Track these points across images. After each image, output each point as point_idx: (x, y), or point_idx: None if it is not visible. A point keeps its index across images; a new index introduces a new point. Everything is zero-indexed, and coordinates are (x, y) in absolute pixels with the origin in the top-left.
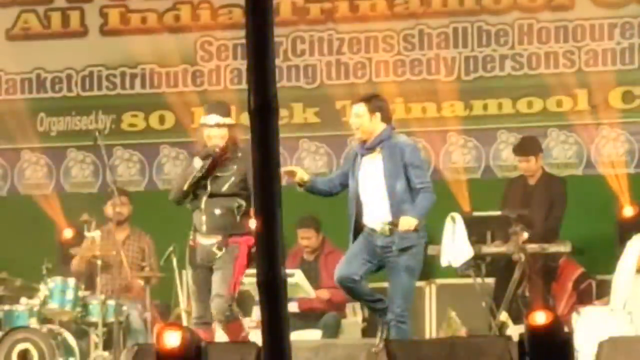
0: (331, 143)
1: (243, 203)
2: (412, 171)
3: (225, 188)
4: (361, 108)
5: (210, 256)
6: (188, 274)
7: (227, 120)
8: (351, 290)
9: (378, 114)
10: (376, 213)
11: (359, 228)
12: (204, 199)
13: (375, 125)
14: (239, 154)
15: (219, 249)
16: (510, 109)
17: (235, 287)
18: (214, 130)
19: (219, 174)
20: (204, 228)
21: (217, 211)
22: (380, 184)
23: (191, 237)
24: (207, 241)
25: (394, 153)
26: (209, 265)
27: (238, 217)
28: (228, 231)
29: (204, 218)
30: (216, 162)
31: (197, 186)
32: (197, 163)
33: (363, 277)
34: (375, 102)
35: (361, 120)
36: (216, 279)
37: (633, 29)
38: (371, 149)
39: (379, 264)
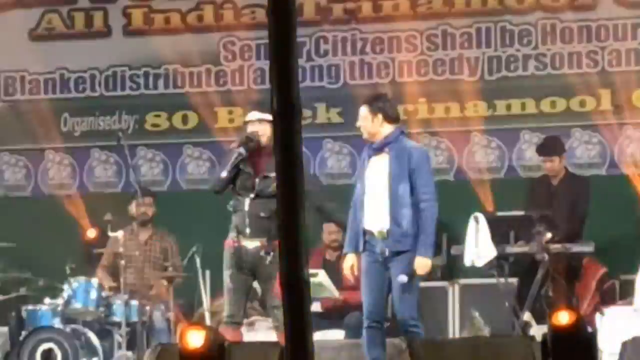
0: (355, 143)
1: None
2: (417, 177)
3: (272, 189)
4: (363, 110)
5: (257, 260)
6: (226, 273)
7: (267, 116)
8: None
9: (380, 115)
10: (377, 215)
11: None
12: (248, 200)
13: (378, 127)
14: None
15: (267, 253)
16: (534, 109)
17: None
18: (256, 125)
19: (267, 174)
20: (247, 230)
21: (262, 214)
22: (384, 186)
23: (232, 237)
24: (251, 244)
25: (401, 156)
26: (252, 268)
27: None
28: (272, 236)
29: (247, 220)
30: (261, 155)
31: (244, 185)
32: (240, 150)
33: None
34: (377, 103)
35: (364, 122)
36: (271, 287)
37: None
38: (379, 150)
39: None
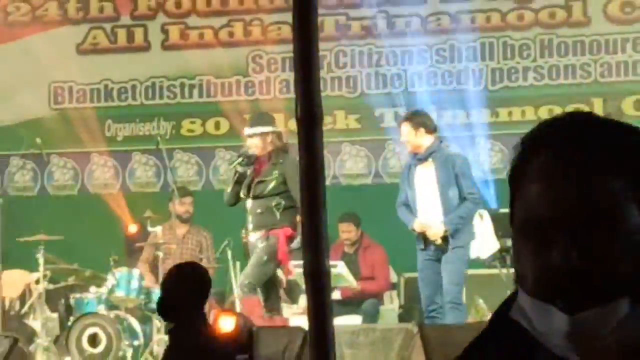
0: (370, 147)
1: (282, 201)
2: (461, 181)
3: (266, 191)
4: (406, 127)
5: (254, 248)
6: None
7: (256, 130)
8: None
9: (422, 129)
10: (430, 217)
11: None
12: (249, 201)
13: (421, 139)
14: (281, 160)
15: (261, 242)
16: (533, 116)
17: (289, 273)
18: (249, 140)
19: (262, 179)
20: (250, 226)
21: (259, 210)
22: (435, 192)
23: (243, 234)
24: (253, 236)
25: (446, 164)
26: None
27: (278, 214)
28: (268, 226)
29: (250, 217)
30: (256, 164)
31: (246, 189)
32: (239, 169)
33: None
34: (416, 118)
35: (408, 137)
36: (250, 263)
37: None
38: (424, 160)
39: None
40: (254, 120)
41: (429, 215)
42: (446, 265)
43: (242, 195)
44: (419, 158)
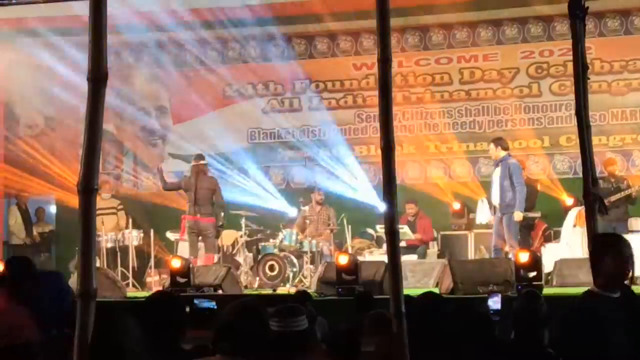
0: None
1: None
2: (513, 177)
3: None
4: (492, 145)
5: None
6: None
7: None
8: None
9: (499, 147)
10: (495, 196)
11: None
12: None
13: (499, 153)
14: None
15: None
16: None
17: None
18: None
19: None
20: None
21: None
22: (498, 182)
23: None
24: None
25: (505, 167)
26: None
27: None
28: None
29: None
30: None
31: None
32: None
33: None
34: (497, 142)
35: (492, 152)
36: None
37: None
38: (497, 165)
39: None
40: None
41: (495, 196)
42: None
43: None
44: (496, 164)
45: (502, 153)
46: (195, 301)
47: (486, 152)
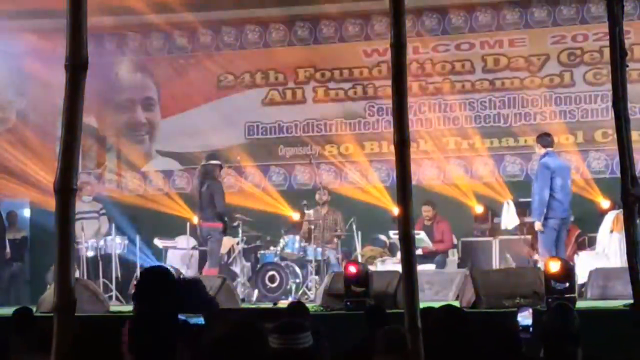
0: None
1: None
2: (535, 178)
3: None
4: (536, 143)
5: None
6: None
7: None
8: None
9: (538, 144)
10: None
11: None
12: None
13: (539, 151)
14: None
15: None
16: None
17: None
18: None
19: None
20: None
21: None
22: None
23: None
24: None
25: (539, 163)
26: None
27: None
28: None
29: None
30: None
31: None
32: None
33: None
34: (537, 139)
35: (536, 149)
36: None
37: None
38: (537, 162)
39: None
40: None
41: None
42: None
43: None
44: (537, 160)
45: (542, 151)
46: (181, 316)
47: (512, 148)
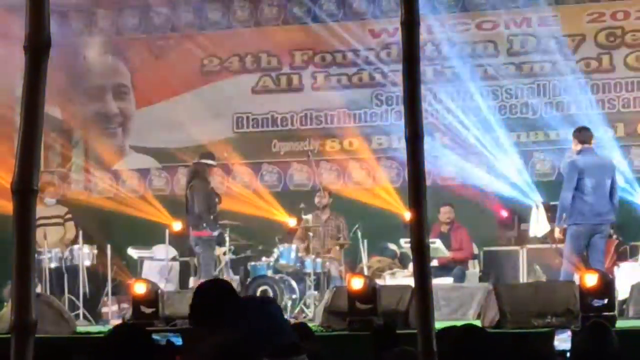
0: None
1: None
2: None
3: None
4: (573, 138)
5: None
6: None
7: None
8: None
9: (575, 139)
10: None
11: None
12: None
13: (576, 146)
14: None
15: None
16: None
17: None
18: None
19: None
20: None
21: None
22: None
23: None
24: None
25: (567, 162)
26: None
27: None
28: None
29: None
30: None
31: None
32: None
33: None
34: (574, 133)
35: (572, 145)
36: None
37: None
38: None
39: None
40: None
41: None
42: None
43: None
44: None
45: (578, 147)
46: (155, 337)
47: (541, 143)
